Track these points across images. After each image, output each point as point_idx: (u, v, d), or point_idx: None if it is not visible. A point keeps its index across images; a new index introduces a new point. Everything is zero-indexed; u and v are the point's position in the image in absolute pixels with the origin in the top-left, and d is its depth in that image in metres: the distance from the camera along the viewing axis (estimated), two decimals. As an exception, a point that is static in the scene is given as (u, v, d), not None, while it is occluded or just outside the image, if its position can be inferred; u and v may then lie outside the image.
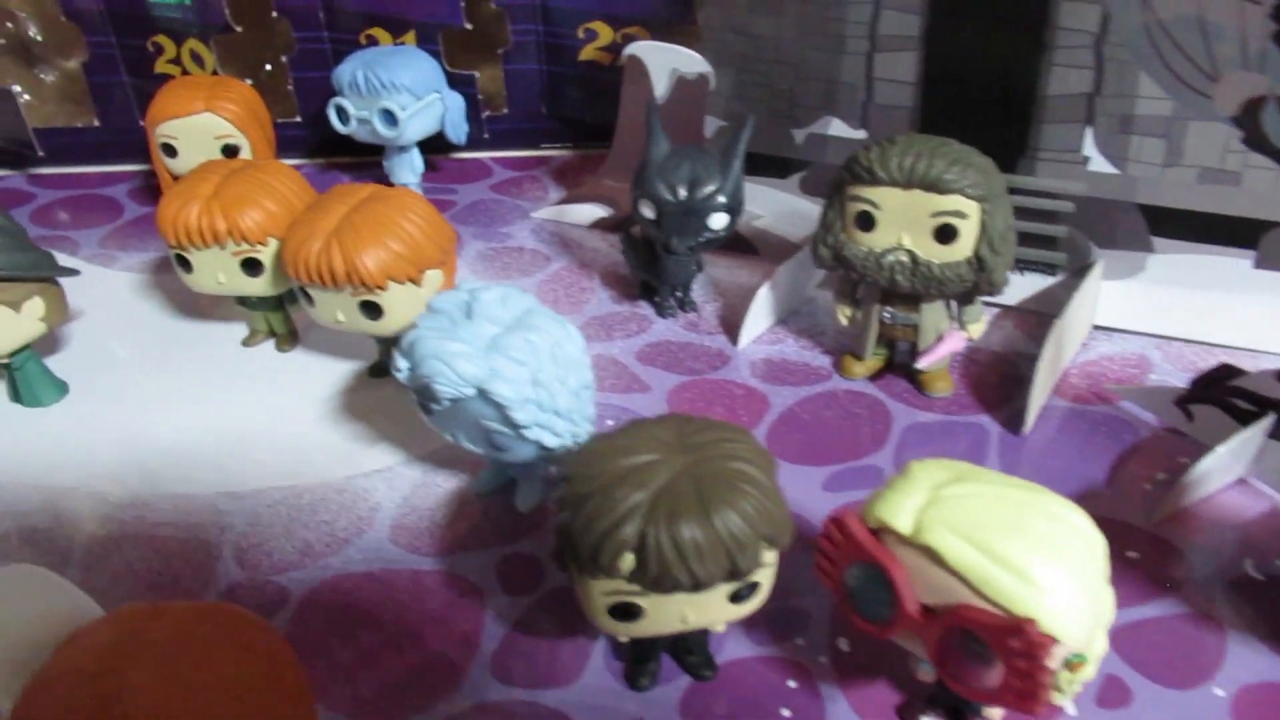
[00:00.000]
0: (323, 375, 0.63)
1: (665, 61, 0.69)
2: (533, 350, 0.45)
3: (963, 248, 0.53)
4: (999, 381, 0.60)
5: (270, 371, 0.63)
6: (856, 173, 0.54)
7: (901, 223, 0.54)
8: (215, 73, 0.83)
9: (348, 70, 0.76)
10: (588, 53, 0.83)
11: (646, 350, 0.64)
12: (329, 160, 0.91)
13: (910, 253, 0.54)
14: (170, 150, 0.75)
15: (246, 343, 0.66)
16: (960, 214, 0.53)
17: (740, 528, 0.35)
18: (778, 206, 0.69)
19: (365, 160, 0.89)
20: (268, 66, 0.85)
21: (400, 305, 0.56)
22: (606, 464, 0.37)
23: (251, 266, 0.60)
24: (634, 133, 0.73)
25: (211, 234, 0.58)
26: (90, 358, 0.65)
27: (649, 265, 0.65)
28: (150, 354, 0.65)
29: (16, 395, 0.61)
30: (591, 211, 0.77)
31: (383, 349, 0.62)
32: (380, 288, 0.55)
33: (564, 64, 0.84)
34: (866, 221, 0.54)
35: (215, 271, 0.60)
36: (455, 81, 0.80)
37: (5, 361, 0.59)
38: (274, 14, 0.82)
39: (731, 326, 0.66)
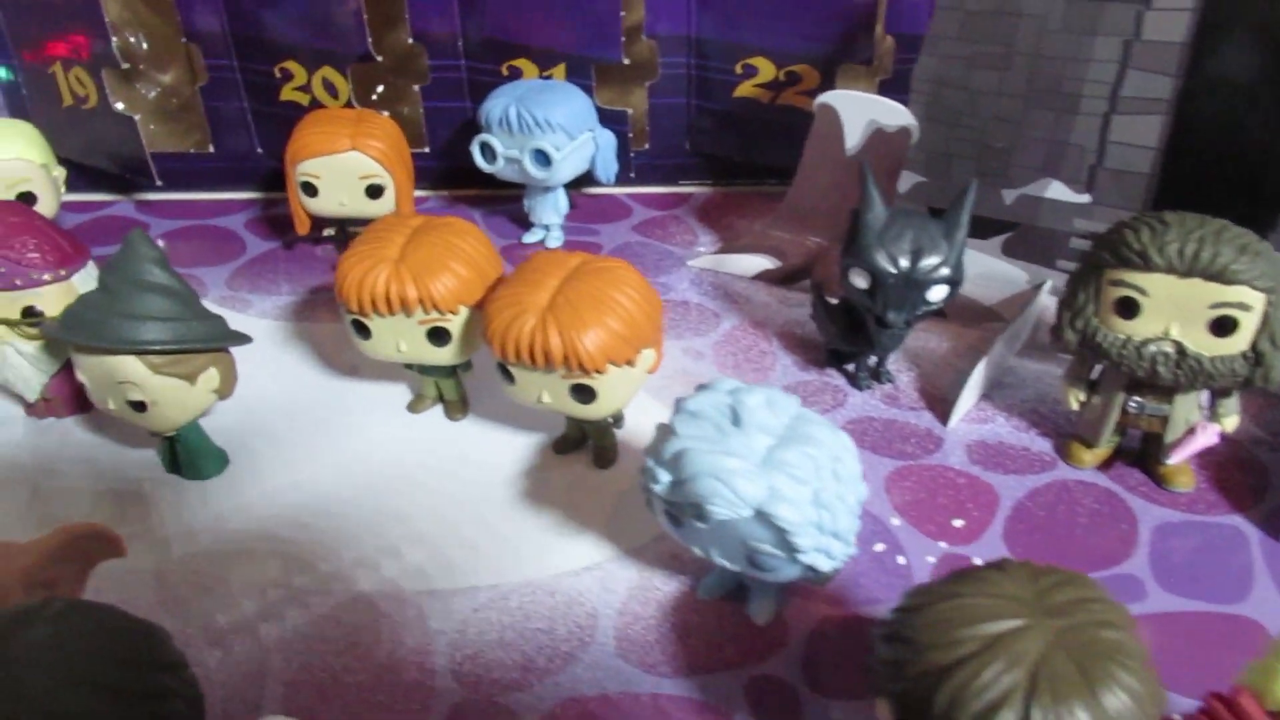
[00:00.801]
0: (503, 449, 0.58)
1: (862, 112, 0.64)
2: (814, 467, 0.41)
3: (1239, 340, 0.49)
4: (1240, 472, 0.56)
5: (444, 443, 0.59)
6: (1124, 256, 0.49)
7: (1171, 312, 0.49)
8: (349, 104, 0.78)
9: (497, 106, 0.72)
10: (745, 89, 0.78)
11: (848, 428, 0.59)
12: (455, 193, 0.86)
13: (1178, 343, 0.49)
14: (310, 189, 0.70)
15: (413, 408, 0.61)
16: (1244, 306, 0.48)
17: (1131, 711, 0.31)
18: (974, 268, 0.65)
19: (497, 194, 0.84)
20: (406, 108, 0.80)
21: (615, 388, 0.51)
22: (964, 630, 0.33)
23: (438, 336, 0.55)
24: (815, 184, 0.68)
25: (400, 302, 0.53)
26: (242, 420, 0.60)
27: (848, 334, 0.61)
28: (305, 419, 0.61)
29: (175, 466, 0.56)
30: (755, 263, 0.73)
31: (572, 423, 0.57)
32: (600, 371, 0.50)
33: (714, 99, 0.79)
34: (1129, 308, 0.50)
35: (397, 339, 0.56)
36: (604, 118, 0.75)
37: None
38: (409, 40, 0.77)
39: (933, 400, 0.61)
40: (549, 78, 0.77)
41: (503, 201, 0.83)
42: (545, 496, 0.55)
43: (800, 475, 0.40)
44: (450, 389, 0.60)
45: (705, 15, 0.76)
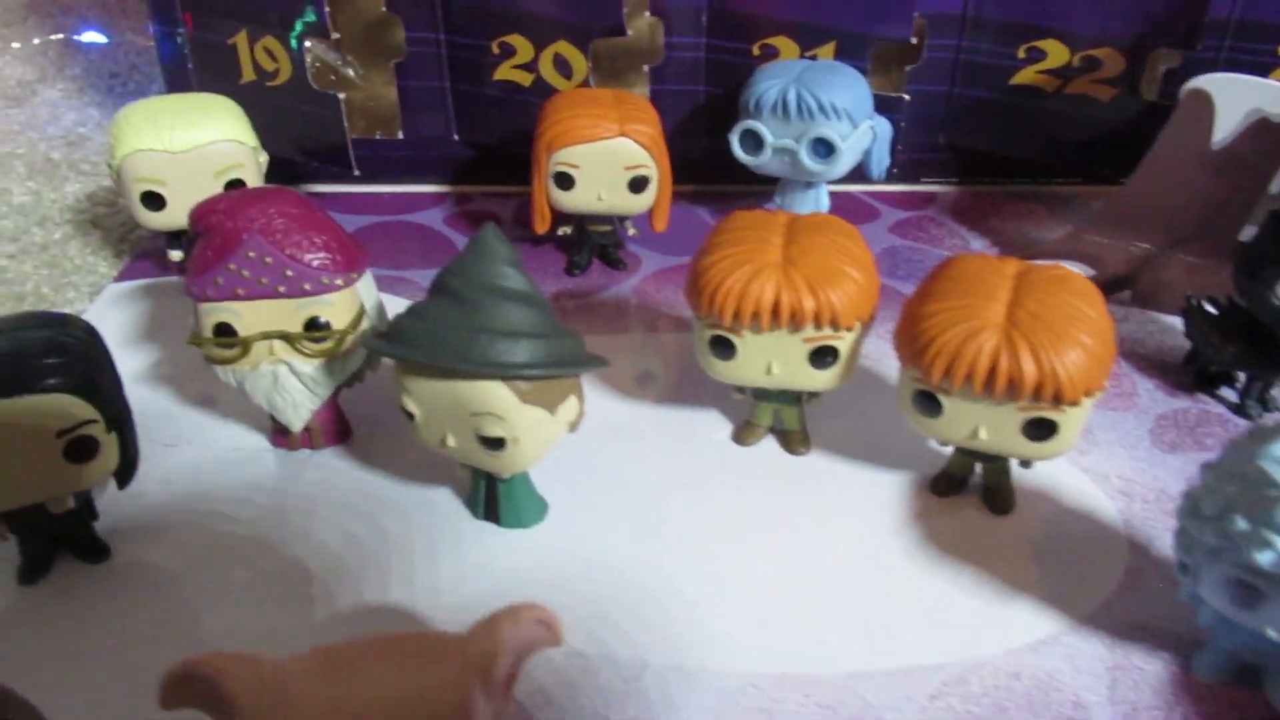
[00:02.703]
0: (864, 491, 0.49)
1: (1243, 97, 0.56)
2: None
3: None
4: None
5: (790, 485, 0.49)
6: None
7: None
8: (586, 83, 0.68)
9: (773, 88, 0.62)
10: (1025, 76, 0.69)
11: (1262, 465, 0.50)
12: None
13: None
14: (566, 181, 0.61)
15: (741, 439, 0.51)
16: None
17: None
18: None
19: (720, 190, 0.74)
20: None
21: (1076, 423, 0.42)
22: None
23: (822, 356, 0.46)
24: (1159, 182, 0.59)
25: (790, 315, 0.44)
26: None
27: (1252, 354, 0.52)
28: (603, 454, 0.51)
29: (490, 512, 0.46)
30: (1061, 270, 0.64)
31: (961, 460, 0.48)
32: (1074, 403, 0.41)
33: (985, 86, 0.71)
34: None
35: (770, 360, 0.46)
36: (879, 105, 0.66)
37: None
38: (646, 14, 0.68)
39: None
40: (813, 58, 0.68)
41: (727, 199, 0.74)
42: (947, 551, 0.46)
43: None
44: (793, 418, 0.51)
45: (988, -10, 0.68)
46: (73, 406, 0.40)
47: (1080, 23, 0.66)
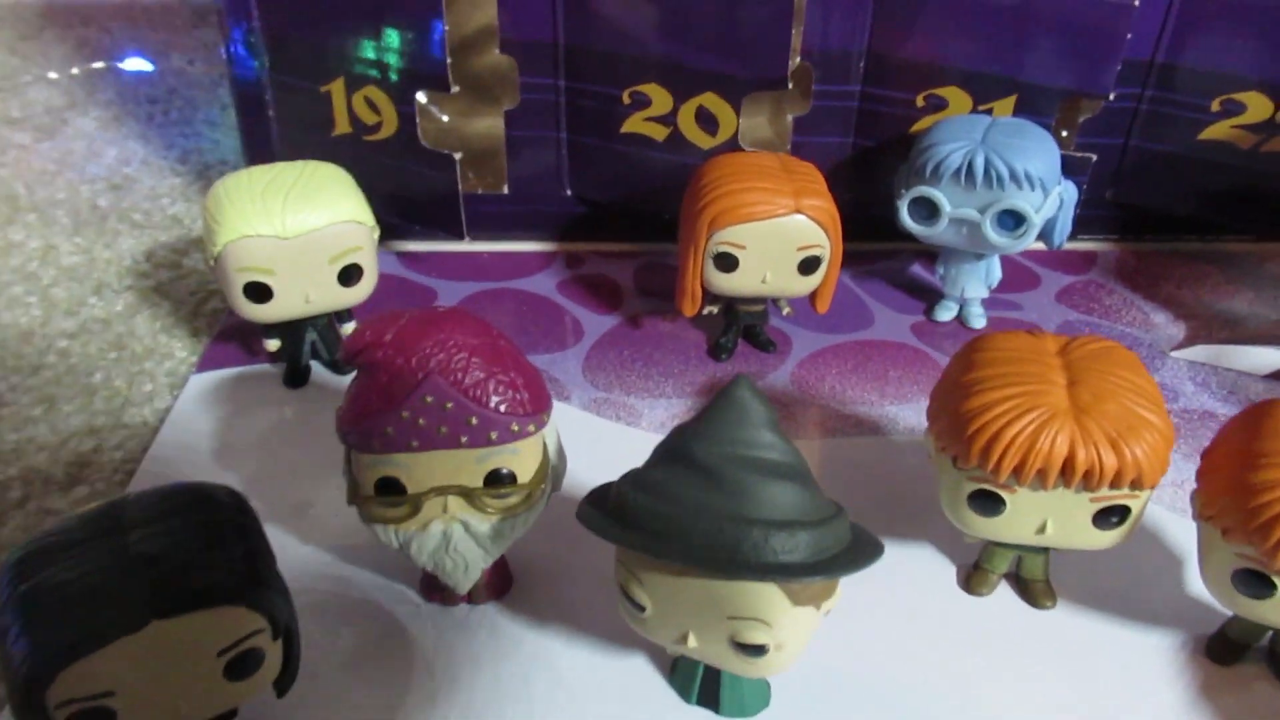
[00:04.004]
0: (1131, 655, 0.41)
1: None
2: None
3: None
4: None
5: (1044, 645, 0.42)
6: None
7: None
8: (734, 140, 0.60)
9: (956, 152, 0.54)
10: (1218, 130, 0.62)
11: None
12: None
13: None
14: (728, 262, 0.53)
15: (974, 588, 0.44)
16: None
17: None
18: None
19: (860, 249, 0.67)
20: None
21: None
22: None
23: (1109, 516, 0.38)
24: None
25: (1085, 474, 0.37)
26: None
27: None
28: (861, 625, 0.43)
29: (708, 698, 0.38)
30: (1275, 357, 0.57)
31: (1247, 626, 0.41)
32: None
33: (1168, 140, 0.63)
34: None
35: (1043, 518, 0.39)
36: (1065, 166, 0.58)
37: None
38: (796, 59, 0.60)
39: None
40: (989, 112, 0.60)
41: (868, 259, 0.66)
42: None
43: None
44: (1037, 566, 0.43)
45: (1183, 36, 0.60)
46: (238, 619, 0.32)
47: (1285, 71, 0.59)
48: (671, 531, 0.32)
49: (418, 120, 0.57)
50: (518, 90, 0.61)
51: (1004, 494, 0.38)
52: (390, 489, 0.38)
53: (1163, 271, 0.67)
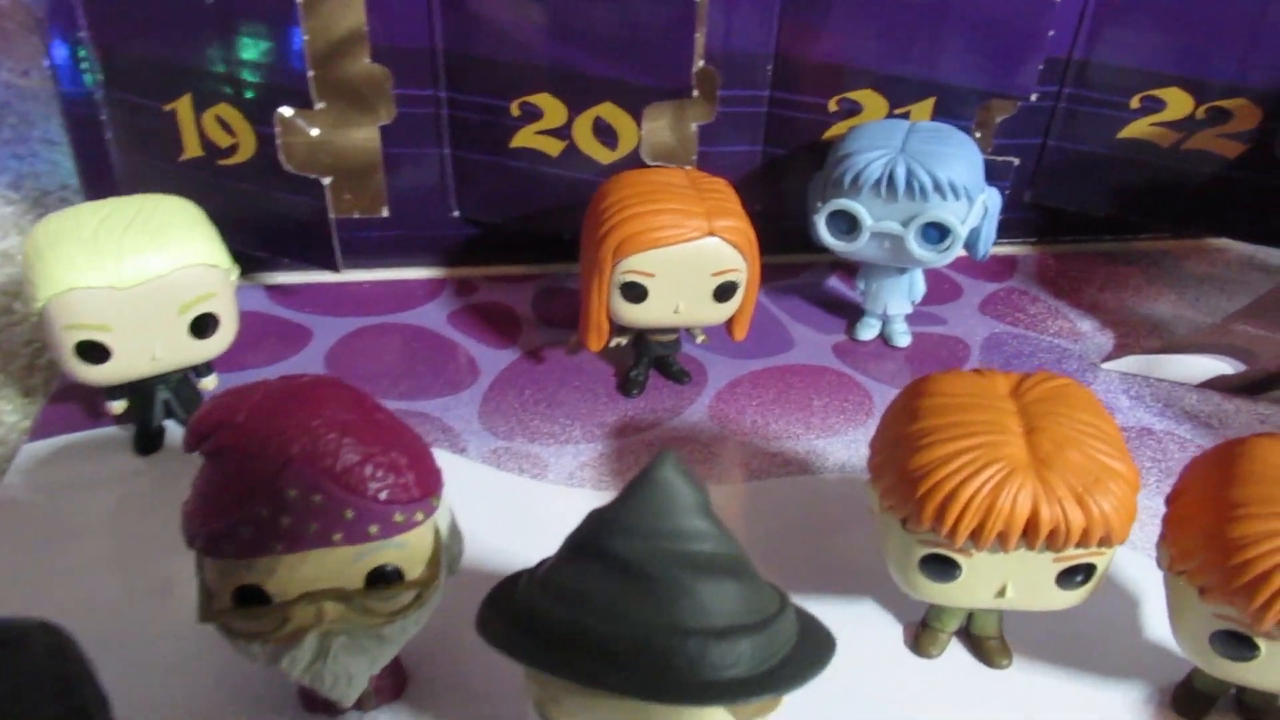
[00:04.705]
0: (1093, 714, 0.38)
1: None
2: None
3: None
4: None
5: (1004, 710, 0.38)
6: None
7: None
8: (637, 158, 0.55)
9: (876, 160, 0.50)
10: (1138, 128, 0.59)
11: None
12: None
13: None
14: (636, 292, 0.48)
15: (924, 649, 0.40)
16: None
17: None
18: None
19: (775, 262, 0.62)
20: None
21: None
22: None
23: (1074, 575, 0.35)
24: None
25: (1050, 534, 0.33)
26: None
27: None
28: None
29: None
30: (1205, 366, 0.55)
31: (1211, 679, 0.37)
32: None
33: (1086, 140, 0.60)
34: None
35: (1003, 582, 0.35)
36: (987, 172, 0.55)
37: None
38: (700, 64, 0.55)
39: None
40: (905, 116, 0.56)
41: (785, 272, 0.62)
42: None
43: None
44: (991, 623, 0.39)
45: (1100, 31, 0.57)
46: (54, 798, 0.25)
47: (1213, 68, 0.56)
48: (590, 646, 0.27)
49: (278, 140, 0.50)
50: (393, 103, 0.55)
51: (959, 558, 0.34)
52: (252, 598, 0.32)
53: (1084, 274, 0.65)
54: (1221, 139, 0.58)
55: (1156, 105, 0.58)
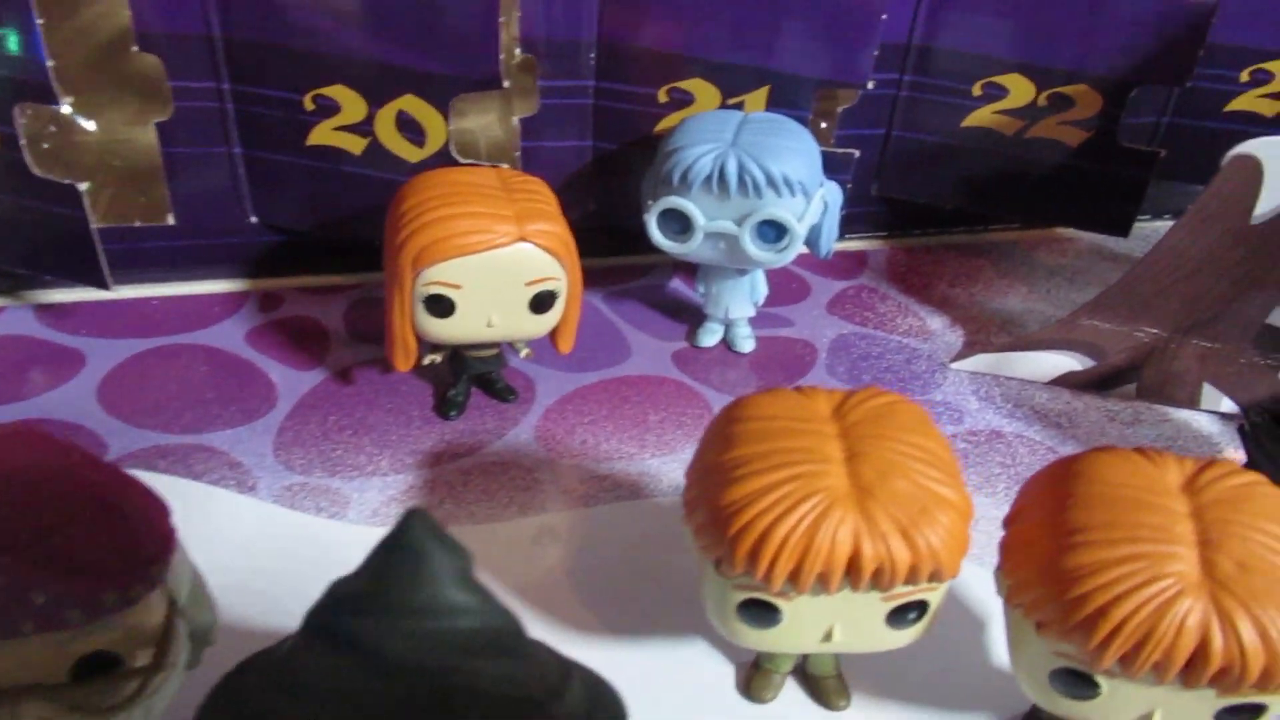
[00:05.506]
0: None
1: (1299, 164, 0.45)
2: None
3: None
4: None
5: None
6: None
7: None
8: (448, 154, 0.50)
9: (706, 155, 0.47)
10: (981, 116, 0.57)
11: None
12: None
13: None
14: (442, 306, 0.43)
15: (756, 693, 0.36)
16: None
17: None
18: None
19: (612, 264, 0.58)
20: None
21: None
22: None
23: (905, 613, 0.31)
24: (1181, 259, 0.49)
25: (875, 573, 0.29)
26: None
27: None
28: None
29: None
30: (1055, 362, 0.53)
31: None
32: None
33: (930, 129, 0.58)
34: None
35: (829, 625, 0.31)
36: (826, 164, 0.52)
37: None
38: (517, 51, 0.50)
39: None
40: (739, 106, 0.53)
41: (623, 275, 0.58)
42: None
43: None
44: (828, 662, 0.36)
45: (939, 16, 0.54)
46: None
47: (1053, 54, 0.54)
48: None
49: (22, 141, 0.44)
50: (170, 97, 0.49)
51: (779, 602, 0.30)
52: (-70, 704, 0.26)
53: (935, 269, 0.62)
54: (1064, 126, 0.56)
55: (999, 92, 0.56)
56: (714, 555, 0.31)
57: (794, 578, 0.29)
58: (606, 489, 0.45)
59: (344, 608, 0.24)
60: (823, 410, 0.32)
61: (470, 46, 0.46)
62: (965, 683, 0.37)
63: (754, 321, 0.55)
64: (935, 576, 0.30)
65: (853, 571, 0.29)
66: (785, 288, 0.59)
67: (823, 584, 0.29)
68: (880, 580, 0.29)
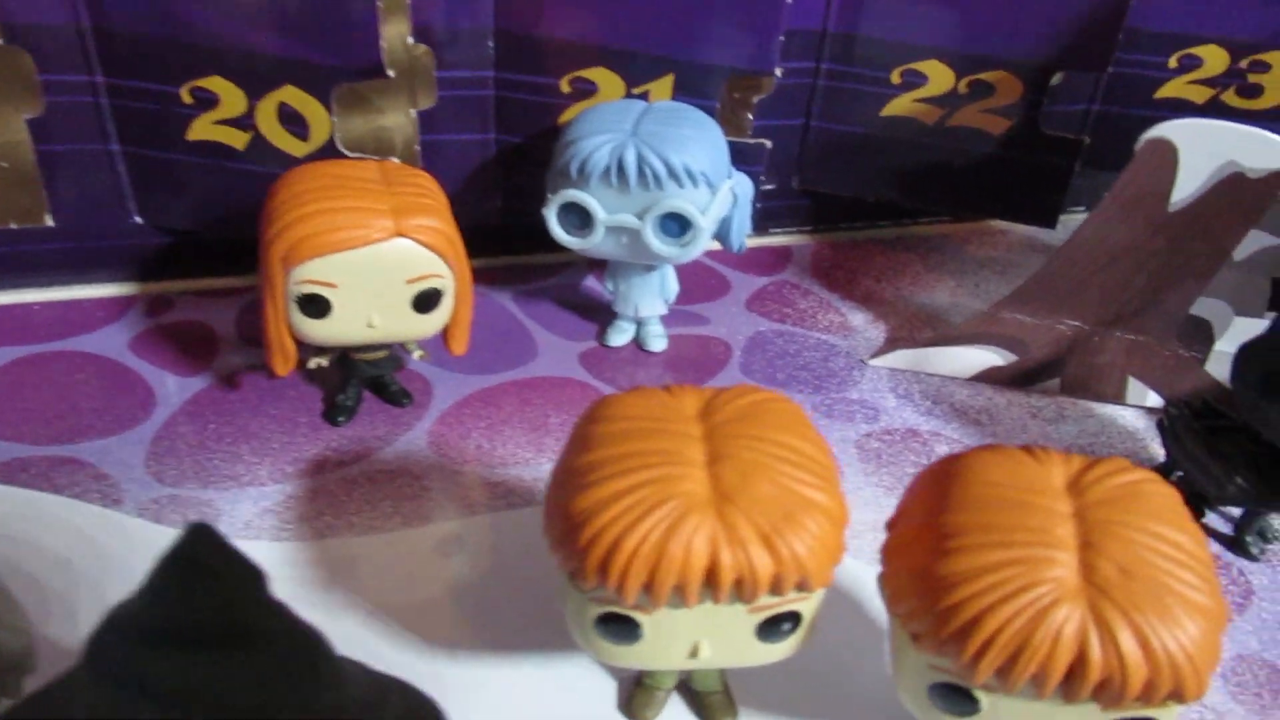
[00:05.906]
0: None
1: (1213, 147, 0.43)
2: None
3: None
4: None
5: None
6: None
7: None
8: (333, 147, 0.47)
9: (603, 147, 0.44)
10: (901, 105, 0.55)
11: (1295, 637, 0.39)
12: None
13: None
14: (317, 305, 0.41)
15: (638, 713, 0.34)
16: None
17: None
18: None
19: (520, 263, 0.56)
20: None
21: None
22: None
23: (777, 625, 0.29)
24: (1100, 248, 0.47)
25: (736, 583, 0.27)
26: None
27: (1258, 489, 0.40)
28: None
29: None
30: (977, 358, 0.51)
31: None
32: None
33: (850, 119, 0.56)
34: None
35: (695, 639, 0.29)
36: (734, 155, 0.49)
37: None
38: (408, 40, 0.48)
39: (1348, 566, 0.43)
40: (644, 96, 0.51)
41: (533, 274, 0.56)
42: None
43: None
44: (713, 676, 0.34)
45: (857, 2, 0.53)
46: None
47: (971, 40, 0.52)
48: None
49: None
50: (39, 91, 0.46)
51: (638, 616, 0.28)
52: None
53: (860, 264, 0.60)
54: (986, 114, 0.54)
55: (918, 80, 0.54)
56: (568, 567, 0.28)
57: (649, 590, 0.27)
58: (499, 496, 0.43)
59: (123, 636, 0.22)
60: (688, 410, 0.30)
61: (348, 34, 0.44)
62: (862, 695, 0.35)
63: (669, 319, 0.53)
64: (802, 586, 0.28)
65: (712, 582, 0.27)
66: (703, 284, 0.57)
67: (680, 596, 0.27)
68: (743, 591, 0.27)
